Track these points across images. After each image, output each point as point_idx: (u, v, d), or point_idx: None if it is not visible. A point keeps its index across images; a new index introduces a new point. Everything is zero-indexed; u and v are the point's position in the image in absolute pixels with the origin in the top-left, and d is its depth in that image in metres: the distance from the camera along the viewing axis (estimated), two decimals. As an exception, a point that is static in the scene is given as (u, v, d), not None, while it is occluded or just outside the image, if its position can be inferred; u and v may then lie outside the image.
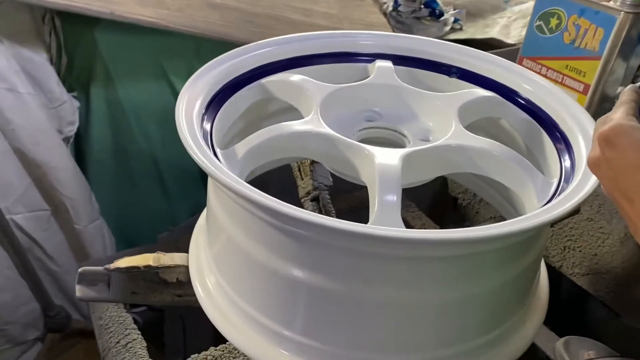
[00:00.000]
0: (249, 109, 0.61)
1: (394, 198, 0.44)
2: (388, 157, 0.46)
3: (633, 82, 0.86)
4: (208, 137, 0.50)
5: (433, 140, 0.55)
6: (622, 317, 0.80)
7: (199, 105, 0.51)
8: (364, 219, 0.45)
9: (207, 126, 0.52)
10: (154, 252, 0.85)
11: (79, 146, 1.11)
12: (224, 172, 0.41)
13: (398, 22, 1.28)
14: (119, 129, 1.09)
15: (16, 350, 1.10)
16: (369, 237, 0.37)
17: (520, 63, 0.85)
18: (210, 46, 1.02)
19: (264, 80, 0.59)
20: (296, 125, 0.50)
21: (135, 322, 0.91)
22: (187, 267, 0.57)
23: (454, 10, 1.31)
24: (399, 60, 0.66)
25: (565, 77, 0.80)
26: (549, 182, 0.49)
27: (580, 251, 0.82)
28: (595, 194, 0.78)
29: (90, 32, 0.99)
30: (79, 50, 1.02)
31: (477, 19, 1.35)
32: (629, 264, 0.76)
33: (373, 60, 0.65)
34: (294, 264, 0.43)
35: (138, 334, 0.69)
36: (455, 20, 1.31)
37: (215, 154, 0.48)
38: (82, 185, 1.03)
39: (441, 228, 0.95)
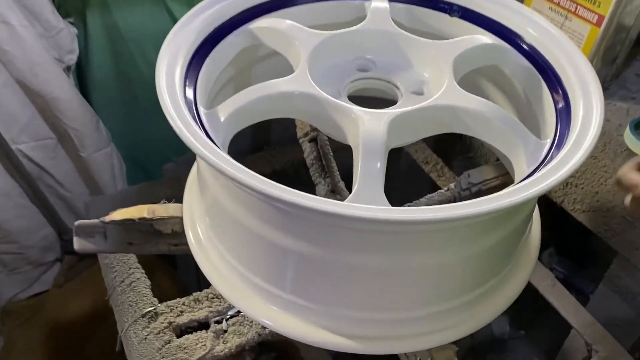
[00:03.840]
0: (238, 55, 0.58)
1: (377, 165, 0.43)
2: (374, 121, 0.45)
3: None
4: (193, 97, 0.49)
5: (427, 93, 0.53)
6: (619, 254, 0.81)
7: (182, 62, 0.49)
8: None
9: (192, 83, 0.50)
10: (159, 188, 0.87)
11: (82, 74, 1.10)
12: (215, 154, 0.40)
13: None
14: (119, 55, 1.07)
15: (36, 271, 1.16)
16: (339, 216, 0.37)
17: (532, -11, 0.80)
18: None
19: (252, 26, 0.57)
20: (281, 85, 0.48)
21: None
22: (181, 219, 0.58)
23: None
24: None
25: (578, 7, 0.75)
26: (541, 144, 0.47)
27: (582, 188, 0.81)
28: (602, 132, 0.76)
29: (82, -46, 0.95)
30: (72, -26, 0.98)
31: None
32: (629, 204, 0.76)
33: (368, -3, 0.61)
34: (279, 231, 0.44)
35: (142, 273, 0.71)
36: None
37: (199, 117, 0.47)
38: (86, 113, 1.03)
39: (446, 160, 0.95)
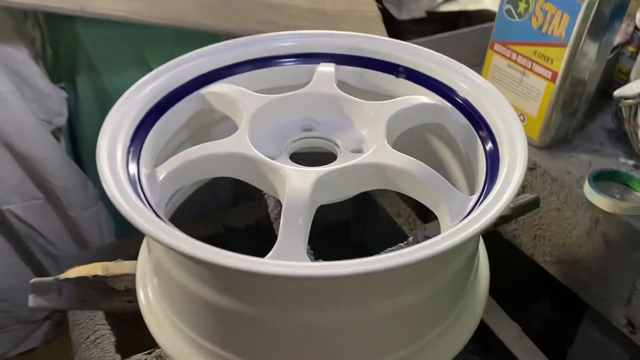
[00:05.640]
0: (193, 118, 0.61)
1: (299, 220, 0.45)
2: (300, 179, 0.47)
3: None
4: (136, 160, 0.51)
5: (365, 150, 0.55)
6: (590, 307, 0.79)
7: (127, 128, 0.52)
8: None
9: (138, 147, 0.53)
10: (133, 244, 0.89)
11: (74, 135, 1.15)
12: (143, 217, 0.43)
13: (387, -6, 1.25)
14: (109, 116, 1.12)
15: (26, 329, 1.17)
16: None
17: (491, 48, 0.83)
18: (189, 33, 1.02)
19: (202, 91, 0.60)
20: (217, 147, 0.51)
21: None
22: (134, 276, 0.59)
23: (447, -20, 1.26)
24: (347, 60, 0.65)
25: (534, 64, 0.78)
26: (468, 199, 0.48)
27: (549, 240, 0.81)
28: (561, 185, 0.77)
29: (71, 24, 1.01)
30: (62, 43, 1.04)
31: (473, -13, 1.30)
32: (594, 255, 0.75)
33: (319, 62, 0.64)
34: (206, 286, 0.45)
35: (107, 329, 0.73)
36: (449, -10, 1.26)
37: (140, 179, 0.49)
38: (73, 173, 1.07)
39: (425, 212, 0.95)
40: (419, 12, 1.24)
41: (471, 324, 0.54)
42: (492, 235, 0.88)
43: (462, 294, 0.53)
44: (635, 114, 0.74)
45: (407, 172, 0.48)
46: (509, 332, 0.75)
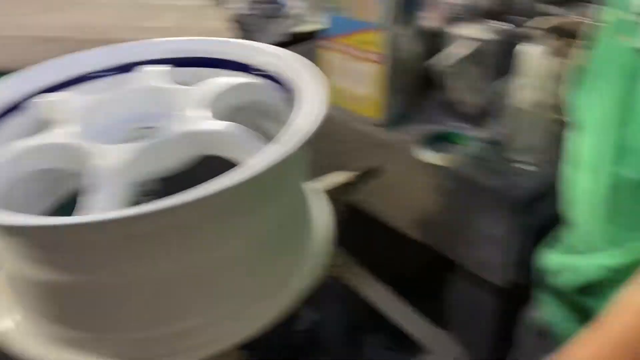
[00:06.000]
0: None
1: (101, 196, 0.48)
2: (113, 155, 0.50)
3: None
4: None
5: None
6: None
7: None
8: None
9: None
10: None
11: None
12: None
13: (246, 23, 1.33)
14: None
15: None
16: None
17: (321, 46, 0.91)
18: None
19: (36, 99, 0.62)
20: (30, 141, 0.54)
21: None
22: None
23: (298, 4, 1.36)
24: (182, 62, 0.70)
25: (360, 51, 0.86)
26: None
27: (406, 206, 0.88)
28: (401, 153, 0.84)
29: None
30: None
31: (325, 9, 1.42)
32: (440, 208, 0.82)
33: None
34: (34, 264, 0.47)
35: None
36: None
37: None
38: None
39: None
40: (278, 37, 1.33)
41: (303, 282, 0.56)
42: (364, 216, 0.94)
43: (290, 249, 0.56)
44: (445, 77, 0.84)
45: (217, 132, 0.53)
46: (377, 292, 0.79)
